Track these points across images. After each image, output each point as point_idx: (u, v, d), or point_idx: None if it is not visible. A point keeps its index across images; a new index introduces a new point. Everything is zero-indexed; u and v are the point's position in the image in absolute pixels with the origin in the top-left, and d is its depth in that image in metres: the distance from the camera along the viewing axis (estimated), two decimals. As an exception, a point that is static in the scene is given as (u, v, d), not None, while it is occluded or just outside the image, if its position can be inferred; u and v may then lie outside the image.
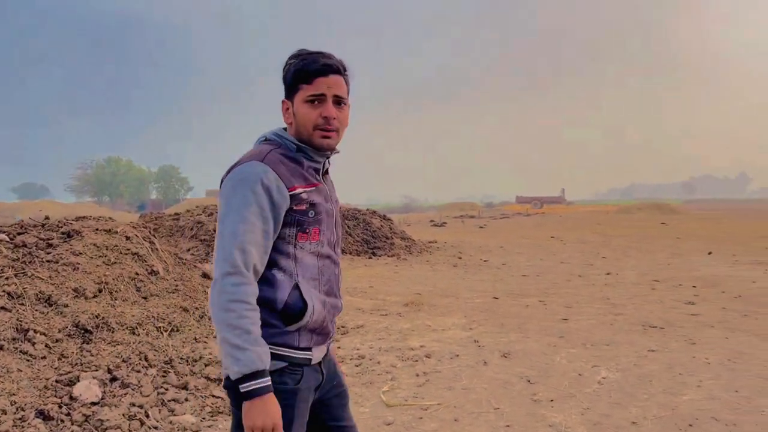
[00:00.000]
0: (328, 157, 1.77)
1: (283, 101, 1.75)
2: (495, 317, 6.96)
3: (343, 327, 6.46)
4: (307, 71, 1.66)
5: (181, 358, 4.62)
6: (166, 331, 4.96)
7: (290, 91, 1.71)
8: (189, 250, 13.40)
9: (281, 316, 1.64)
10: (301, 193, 1.65)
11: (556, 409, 3.98)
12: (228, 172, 1.66)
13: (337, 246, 1.82)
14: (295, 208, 1.65)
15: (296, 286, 1.65)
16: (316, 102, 1.67)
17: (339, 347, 5.68)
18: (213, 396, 4.27)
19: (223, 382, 1.70)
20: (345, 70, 1.73)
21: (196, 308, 5.45)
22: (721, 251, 14.15)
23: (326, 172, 1.80)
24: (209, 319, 5.45)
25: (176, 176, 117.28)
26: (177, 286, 5.60)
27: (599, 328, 6.29)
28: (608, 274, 10.75)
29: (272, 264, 1.65)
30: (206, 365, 4.63)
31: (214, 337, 5.31)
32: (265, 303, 1.62)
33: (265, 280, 1.64)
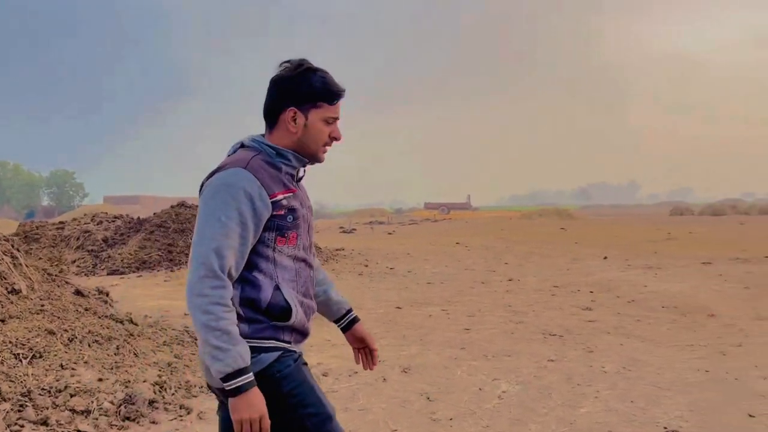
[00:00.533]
0: (304, 165, 1.85)
1: (291, 109, 1.76)
2: (397, 328, 6.77)
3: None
4: (332, 93, 1.77)
5: (42, 389, 4.07)
6: (25, 358, 4.37)
7: (306, 103, 1.76)
8: (74, 261, 12.40)
9: (265, 313, 1.71)
10: (281, 199, 1.72)
11: (456, 428, 3.80)
12: (209, 176, 1.72)
13: (310, 250, 1.89)
14: (275, 213, 1.70)
15: (277, 287, 1.73)
16: (329, 122, 1.79)
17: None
18: (78, 431, 3.78)
19: (212, 387, 1.80)
20: None
21: (65, 330, 4.87)
22: (615, 256, 14.78)
23: (300, 179, 1.86)
24: (80, 341, 4.89)
25: (71, 182, 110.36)
26: (43, 305, 4.99)
27: (500, 338, 6.23)
28: (510, 280, 10.89)
29: (252, 266, 1.71)
30: (72, 396, 4.10)
31: (85, 362, 4.76)
32: (249, 303, 1.70)
33: (248, 282, 1.71)
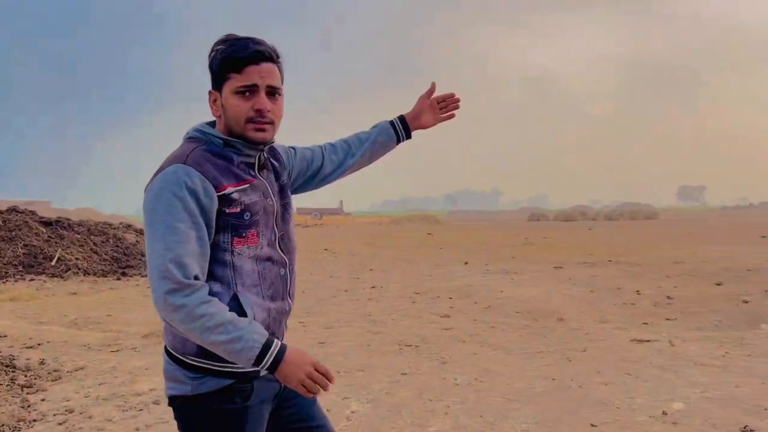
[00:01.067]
0: (261, 151, 1.65)
1: (210, 92, 1.62)
2: (248, 345, 6.28)
3: (56, 372, 5.27)
4: (236, 59, 1.55)
5: None
6: None
7: (218, 80, 1.59)
8: None
9: None
10: (232, 193, 1.53)
11: (296, 459, 3.43)
12: (151, 180, 1.53)
13: (282, 242, 1.68)
14: (227, 211, 1.53)
15: (234, 297, 1.54)
16: (247, 93, 1.56)
17: (43, 400, 4.55)
18: None
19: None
20: (278, 56, 1.61)
21: None
22: (476, 261, 15.20)
23: (263, 167, 1.67)
24: None
25: None
26: None
27: (356, 351, 5.97)
28: (373, 287, 10.74)
29: (208, 275, 1.53)
30: None
31: None
32: None
33: None
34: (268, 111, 1.58)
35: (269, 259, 1.63)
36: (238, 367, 1.55)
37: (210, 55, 1.60)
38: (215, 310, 1.45)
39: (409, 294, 9.85)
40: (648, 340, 6.12)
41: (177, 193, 1.46)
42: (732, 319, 7.41)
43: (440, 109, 2.03)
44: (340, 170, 1.97)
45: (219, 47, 1.59)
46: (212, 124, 1.67)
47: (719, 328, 7.08)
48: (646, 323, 7.31)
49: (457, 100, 2.04)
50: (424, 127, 2.04)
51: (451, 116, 2.06)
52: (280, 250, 1.67)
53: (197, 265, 1.47)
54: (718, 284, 9.67)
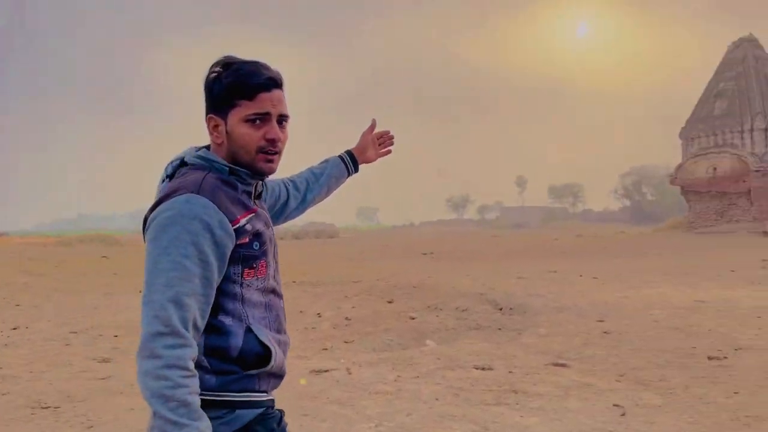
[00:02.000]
0: (262, 180, 1.58)
1: (210, 117, 1.51)
2: None
3: None
4: (248, 85, 1.46)
5: None
6: None
7: (221, 106, 1.48)
8: None
9: (237, 362, 1.43)
10: (245, 224, 1.45)
11: None
12: (153, 208, 1.41)
13: (277, 274, 1.61)
14: (238, 242, 1.43)
15: (249, 330, 1.46)
16: (258, 121, 1.47)
17: None
18: None
19: None
20: (282, 82, 1.53)
21: None
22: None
23: (259, 196, 1.60)
24: None
25: None
26: None
27: (-35, 425, 4.48)
28: (15, 329, 8.72)
29: (218, 309, 1.42)
30: None
31: None
32: (215, 352, 1.42)
33: (213, 328, 1.42)
34: (280, 141, 1.51)
35: (273, 291, 1.56)
36: (257, 396, 1.46)
37: (209, 78, 1.49)
38: (184, 383, 1.27)
39: (63, 334, 8.20)
40: (327, 370, 5.91)
41: (185, 225, 1.34)
42: (402, 337, 7.78)
43: (379, 144, 2.15)
44: (302, 205, 1.98)
45: (218, 69, 1.48)
46: (201, 149, 1.56)
47: (391, 347, 7.34)
48: (326, 348, 7.21)
49: (392, 137, 2.17)
50: (369, 162, 2.13)
51: (389, 152, 2.20)
52: (278, 283, 1.61)
53: (197, 307, 1.34)
54: (390, 302, 10.25)
